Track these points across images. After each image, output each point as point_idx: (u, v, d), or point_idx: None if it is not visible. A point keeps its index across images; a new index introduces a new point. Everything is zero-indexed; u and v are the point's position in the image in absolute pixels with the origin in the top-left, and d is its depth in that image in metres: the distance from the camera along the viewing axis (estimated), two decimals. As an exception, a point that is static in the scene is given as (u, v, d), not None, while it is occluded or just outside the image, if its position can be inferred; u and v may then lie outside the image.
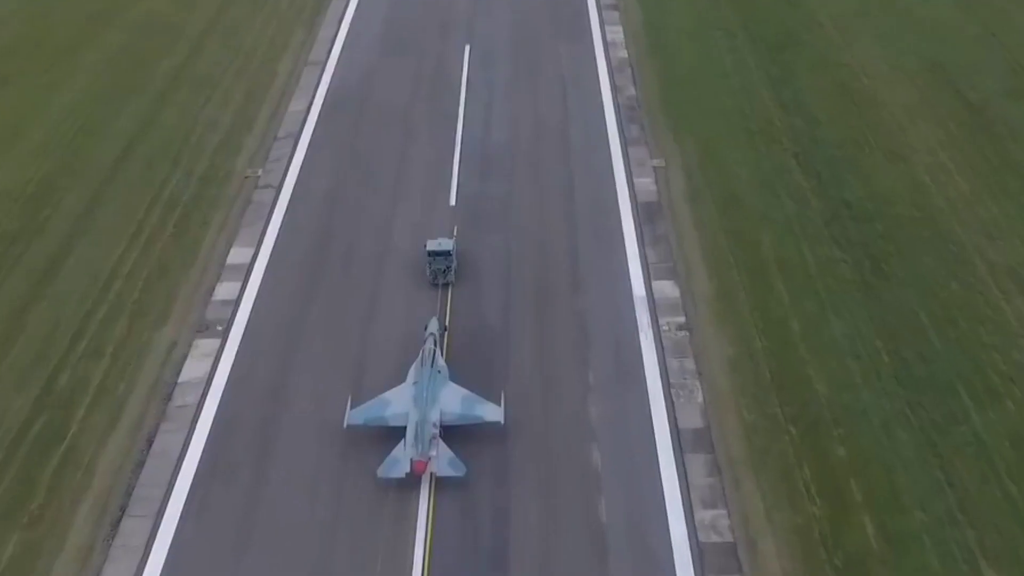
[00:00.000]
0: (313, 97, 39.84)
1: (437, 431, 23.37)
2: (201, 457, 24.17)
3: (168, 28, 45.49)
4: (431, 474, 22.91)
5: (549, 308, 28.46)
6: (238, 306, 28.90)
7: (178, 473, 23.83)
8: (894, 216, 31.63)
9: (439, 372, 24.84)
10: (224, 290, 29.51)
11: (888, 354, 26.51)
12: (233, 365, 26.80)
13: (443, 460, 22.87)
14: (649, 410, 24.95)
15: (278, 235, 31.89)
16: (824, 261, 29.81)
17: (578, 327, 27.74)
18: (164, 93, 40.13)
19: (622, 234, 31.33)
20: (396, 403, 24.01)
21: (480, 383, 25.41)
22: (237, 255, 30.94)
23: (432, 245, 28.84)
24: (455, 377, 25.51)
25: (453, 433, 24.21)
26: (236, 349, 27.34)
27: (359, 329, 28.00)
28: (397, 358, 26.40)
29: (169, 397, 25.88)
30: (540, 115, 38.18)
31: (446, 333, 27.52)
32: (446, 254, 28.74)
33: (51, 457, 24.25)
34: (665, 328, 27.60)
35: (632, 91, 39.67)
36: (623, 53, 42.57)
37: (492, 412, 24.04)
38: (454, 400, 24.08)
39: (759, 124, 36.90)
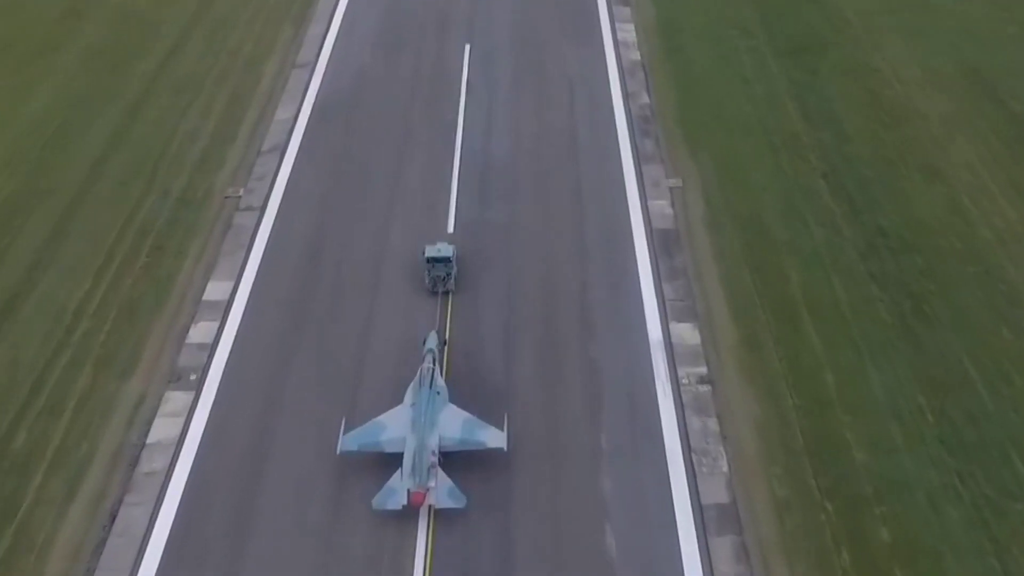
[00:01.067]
0: (301, 104, 36.79)
1: (436, 459, 21.84)
2: (169, 536, 21.57)
3: (147, 24, 42.22)
4: (430, 506, 21.41)
5: (557, 356, 25.72)
6: (214, 351, 26.24)
7: (143, 556, 21.34)
8: (935, 248, 28.81)
9: (438, 393, 23.25)
10: (200, 332, 26.86)
11: (933, 413, 23.92)
12: (207, 423, 24.21)
13: (442, 490, 21.39)
14: (668, 482, 22.32)
15: (260, 267, 29.08)
16: (859, 301, 27.17)
17: (589, 380, 25.04)
18: (140, 99, 37.18)
19: (636, 267, 28.53)
20: (392, 427, 22.52)
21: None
22: (215, 290, 28.22)
23: (431, 251, 27.16)
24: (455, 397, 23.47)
25: (453, 459, 22.19)
26: (211, 403, 24.70)
27: (349, 376, 25.38)
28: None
29: (135, 462, 23.27)
30: (545, 125, 35.13)
31: (445, 347, 25.84)
32: (446, 260, 27.15)
33: (1, 537, 21.94)
34: (685, 381, 24.98)
35: (646, 98, 36.66)
36: (635, 54, 39.43)
37: (495, 438, 22.43)
38: (454, 424, 22.50)
39: (783, 138, 33.97)
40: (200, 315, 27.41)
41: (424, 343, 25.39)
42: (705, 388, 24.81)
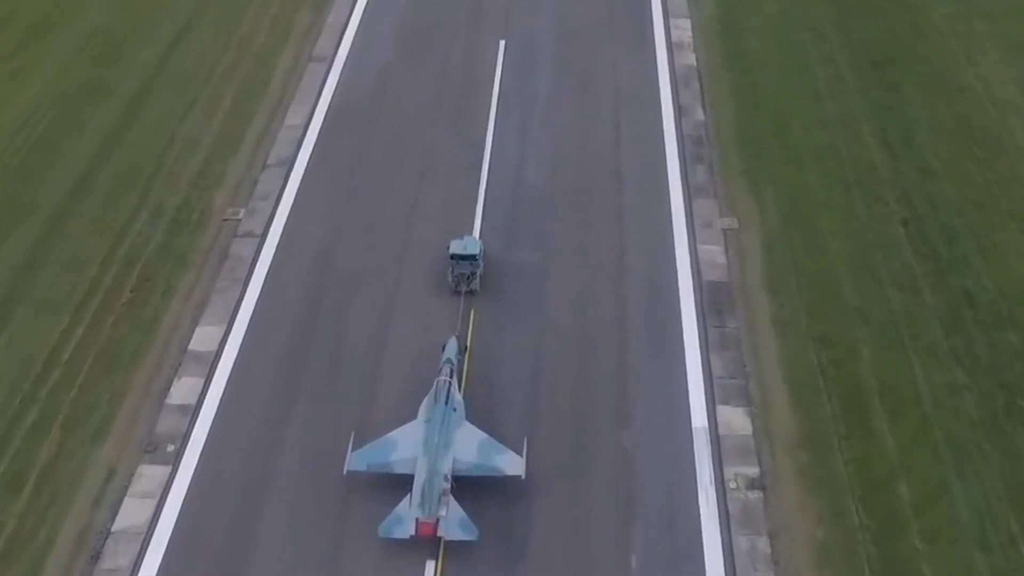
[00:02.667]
0: (314, 108, 33.00)
1: (448, 485, 20.35)
2: (128, 662, 19.13)
3: (153, 5, 38.51)
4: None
5: (584, 445, 22.24)
6: (197, 415, 23.09)
7: None
8: None
9: (454, 410, 21.67)
10: (183, 389, 23.70)
11: (1028, 544, 20.50)
12: (182, 509, 21.14)
13: (453, 521, 19.92)
14: (709, 624, 19.30)
15: (255, 309, 25.79)
16: (942, 389, 23.21)
17: (619, 477, 21.49)
18: (139, 95, 33.66)
19: (681, 332, 24.73)
20: (404, 446, 21.13)
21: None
22: (203, 337, 25.04)
23: (456, 247, 25.37)
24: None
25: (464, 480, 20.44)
26: (188, 483, 21.66)
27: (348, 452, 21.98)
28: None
29: (98, 556, 20.29)
30: (585, 147, 30.93)
31: (466, 353, 23.72)
32: (472, 258, 25.36)
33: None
34: (732, 484, 21.34)
35: (700, 115, 32.38)
36: (690, 59, 34.99)
37: (513, 464, 20.91)
38: (470, 446, 21.10)
39: (858, 172, 29.54)
40: (185, 368, 24.26)
41: (443, 350, 22.77)
42: (756, 495, 21.20)
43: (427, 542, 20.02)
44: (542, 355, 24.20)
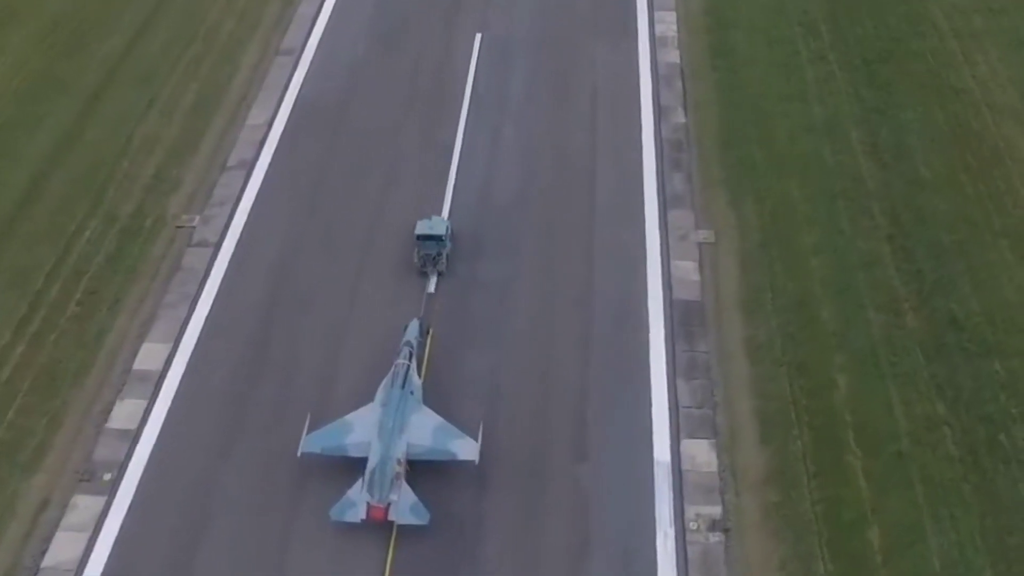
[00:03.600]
0: (278, 107, 31.55)
1: (401, 469, 20.27)
2: None
3: (119, -8, 37.62)
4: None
5: (539, 481, 21.03)
6: (137, 441, 22.03)
7: None
8: (1023, 353, 23.74)
9: (411, 393, 21.57)
10: (124, 413, 22.62)
11: (1004, 598, 19.31)
12: (115, 545, 20.04)
13: (404, 506, 19.91)
14: None
15: (204, 326, 24.69)
16: (921, 423, 21.83)
17: (574, 518, 20.32)
18: (99, 90, 32.27)
19: (648, 358, 23.46)
20: (359, 429, 21.04)
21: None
22: (148, 356, 23.91)
23: (422, 227, 25.20)
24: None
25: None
26: (123, 516, 20.58)
27: (293, 489, 20.99)
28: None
29: (24, 597, 19.85)
30: (558, 153, 29.46)
31: (429, 336, 23.37)
32: (438, 239, 25.13)
33: None
34: (693, 526, 20.15)
35: (681, 117, 30.81)
36: (674, 55, 33.32)
37: (467, 449, 20.73)
38: (425, 430, 20.96)
39: (843, 182, 27.95)
40: (128, 389, 23.16)
41: (404, 331, 22.46)
42: (717, 539, 20.01)
43: (378, 526, 19.75)
44: (499, 384, 22.95)
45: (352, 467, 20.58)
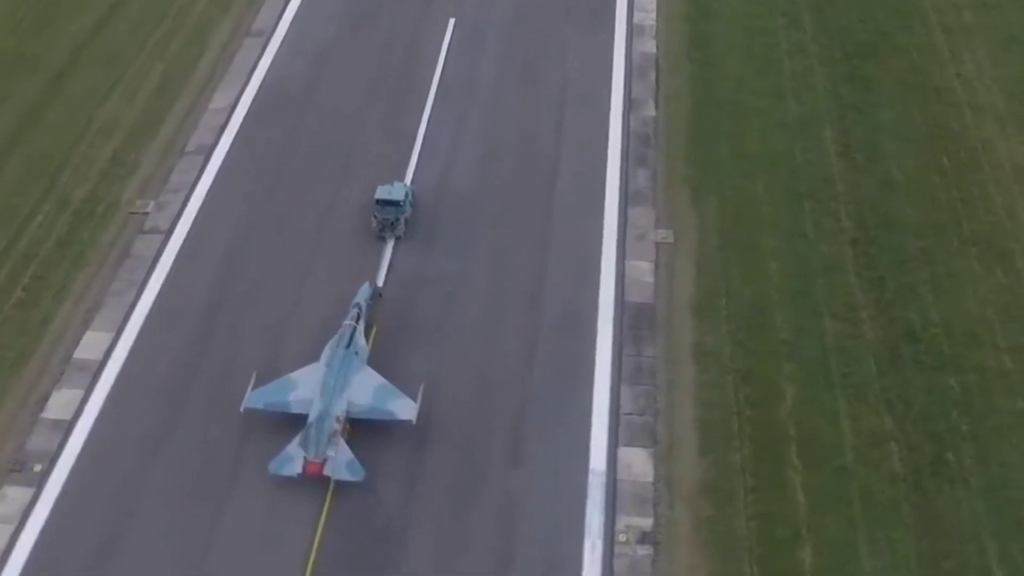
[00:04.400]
0: (243, 90, 30.97)
1: (339, 427, 20.79)
2: None
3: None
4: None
5: (470, 485, 20.57)
6: (70, 432, 21.77)
7: None
8: (981, 368, 22.38)
9: (356, 354, 22.08)
10: (60, 403, 22.36)
11: (935, 628, 18.64)
12: (40, 535, 19.80)
13: (340, 462, 20.44)
14: None
15: (149, 314, 24.34)
16: (866, 438, 21.16)
17: (502, 523, 19.84)
18: (65, 70, 31.84)
19: (593, 361, 22.87)
20: (302, 387, 21.60)
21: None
22: (90, 345, 23.62)
23: (381, 192, 25.61)
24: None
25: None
26: (51, 507, 20.34)
27: (226, 484, 20.71)
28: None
29: (-57, 590, 19.88)
30: (522, 145, 28.67)
31: (380, 299, 23.70)
32: (396, 204, 25.53)
33: None
34: (622, 538, 19.64)
35: (651, 110, 29.85)
36: (650, 45, 32.33)
37: (405, 409, 21.18)
38: (366, 390, 21.46)
39: (812, 183, 27.08)
40: (66, 379, 22.88)
41: (356, 295, 22.81)
42: (646, 552, 19.46)
43: (315, 481, 20.06)
44: (438, 382, 22.31)
45: (295, 424, 20.74)
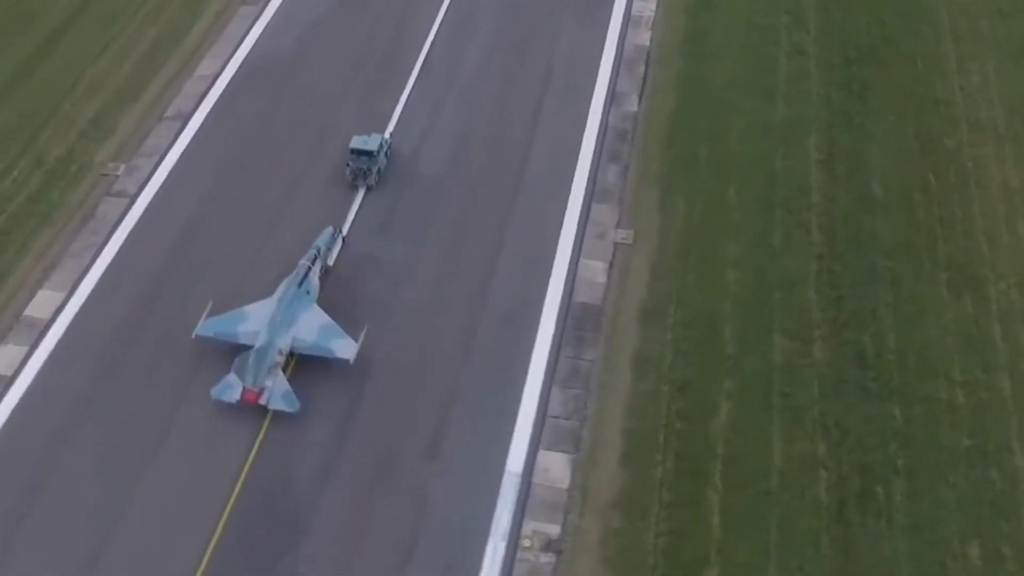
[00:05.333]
0: (229, 59, 30.98)
1: (281, 360, 21.77)
2: None
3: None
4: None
5: (384, 477, 20.40)
6: (8, 388, 22.02)
7: None
8: (929, 400, 21.29)
9: (307, 293, 22.94)
10: (3, 358, 22.62)
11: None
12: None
13: (277, 393, 21.36)
14: None
15: (102, 277, 24.59)
16: (796, 464, 20.32)
17: (409, 517, 19.60)
18: (62, 29, 32.20)
19: (528, 360, 22.37)
20: (252, 319, 22.51)
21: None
22: (42, 303, 24.02)
23: (356, 142, 26.18)
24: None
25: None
26: (-19, 460, 21.41)
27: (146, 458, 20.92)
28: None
29: None
30: (497, 132, 28.20)
31: (343, 244, 24.43)
32: (369, 154, 26.11)
33: None
34: (527, 543, 19.30)
35: (633, 105, 29.00)
36: (644, 37, 31.34)
37: (345, 348, 21.94)
38: (311, 327, 22.31)
39: (787, 192, 26.00)
40: (13, 335, 23.30)
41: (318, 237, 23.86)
42: (548, 560, 19.12)
43: (252, 408, 20.99)
44: (373, 366, 22.23)
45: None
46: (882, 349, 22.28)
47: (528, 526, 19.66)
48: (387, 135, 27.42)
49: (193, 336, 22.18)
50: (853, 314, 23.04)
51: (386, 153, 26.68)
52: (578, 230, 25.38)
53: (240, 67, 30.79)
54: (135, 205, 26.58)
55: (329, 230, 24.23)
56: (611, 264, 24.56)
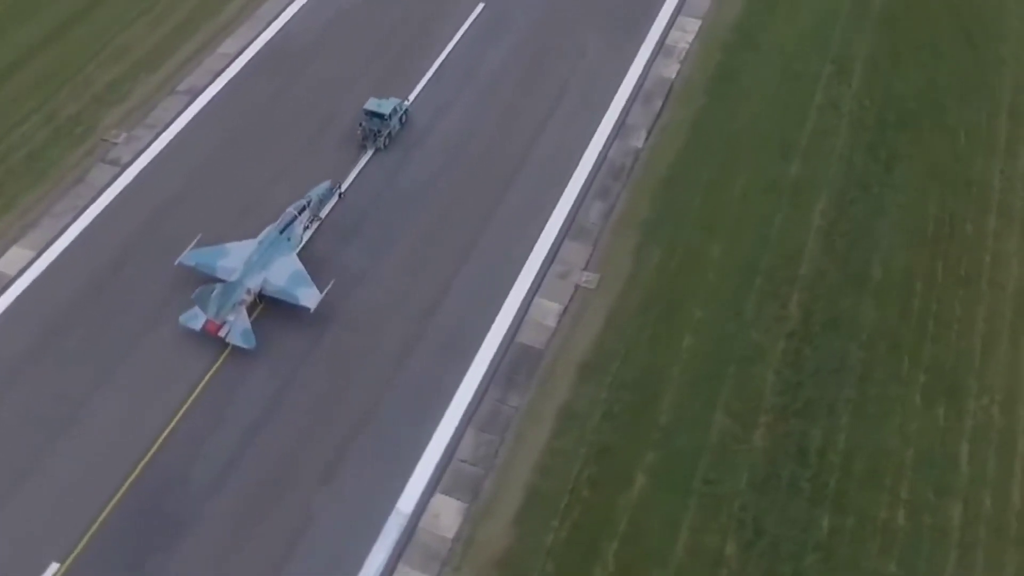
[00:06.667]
0: (254, 39, 30.96)
1: (248, 299, 23.04)
2: None
3: None
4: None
5: (276, 494, 19.99)
6: (-40, 341, 23.50)
7: None
8: (864, 515, 19.16)
9: (288, 240, 24.11)
10: (-37, 311, 24.12)
11: None
12: None
13: (236, 330, 22.67)
14: None
15: (74, 242, 25.02)
16: (698, 558, 18.72)
17: (287, 539, 19.20)
18: (104, -9, 33.80)
19: (451, 398, 21.47)
20: (233, 256, 23.80)
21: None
22: (11, 259, 24.60)
23: (371, 104, 27.22)
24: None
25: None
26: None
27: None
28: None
29: None
30: (490, 147, 27.19)
31: (339, 199, 25.46)
32: (381, 117, 27.13)
33: None
34: (394, 595, 18.93)
35: (639, 141, 27.47)
36: (671, 69, 29.56)
37: (308, 296, 23.00)
38: (283, 272, 23.45)
39: (774, 260, 24.09)
40: (-25, 292, 24.53)
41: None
42: (409, 616, 18.64)
43: (213, 339, 22.41)
44: (293, 381, 21.91)
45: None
46: (828, 448, 20.37)
47: (402, 570, 19.01)
48: (407, 101, 28.02)
49: (176, 264, 23.55)
50: (808, 404, 21.15)
51: (400, 119, 27.60)
52: (542, 265, 24.22)
53: (262, 49, 30.65)
54: (124, 173, 26.95)
55: (327, 184, 25.49)
56: (565, 308, 23.33)
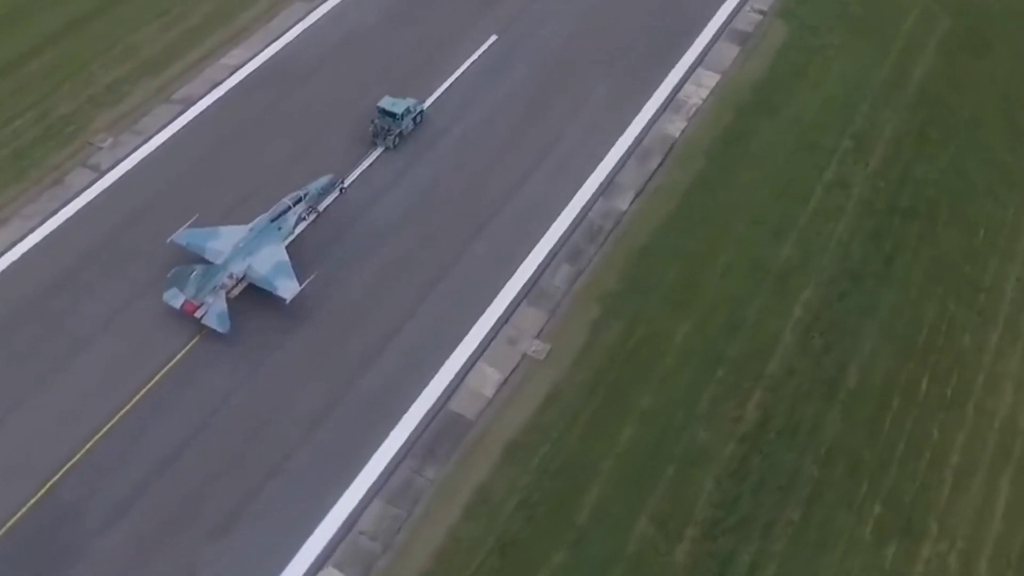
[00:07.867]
0: (261, 51, 30.39)
1: (229, 283, 23.33)
2: None
3: None
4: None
5: (164, 547, 19.10)
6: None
7: None
8: None
9: (278, 229, 24.28)
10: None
11: None
12: None
13: (213, 311, 22.94)
14: None
15: (37, 246, 24.63)
16: None
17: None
18: (130, -11, 33.78)
19: (363, 466, 20.20)
20: (223, 239, 24.10)
21: None
22: (-28, 259, 25.30)
23: (385, 102, 27.42)
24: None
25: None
26: None
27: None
28: None
29: None
30: (466, 194, 25.89)
31: (341, 193, 25.65)
32: (393, 116, 27.31)
33: None
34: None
35: (624, 203, 25.72)
36: (676, 127, 27.70)
37: (286, 288, 23.20)
38: (268, 261, 23.62)
39: (743, 350, 22.04)
40: (-67, 286, 24.56)
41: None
42: None
43: (190, 320, 22.72)
44: (210, 427, 21.01)
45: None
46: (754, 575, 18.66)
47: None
48: (424, 104, 28.04)
49: (168, 242, 23.84)
50: (743, 521, 19.26)
51: (414, 119, 27.69)
52: (493, 327, 22.84)
53: (266, 62, 30.09)
54: (102, 179, 26.68)
55: (327, 178, 25.51)
56: (506, 379, 21.88)
